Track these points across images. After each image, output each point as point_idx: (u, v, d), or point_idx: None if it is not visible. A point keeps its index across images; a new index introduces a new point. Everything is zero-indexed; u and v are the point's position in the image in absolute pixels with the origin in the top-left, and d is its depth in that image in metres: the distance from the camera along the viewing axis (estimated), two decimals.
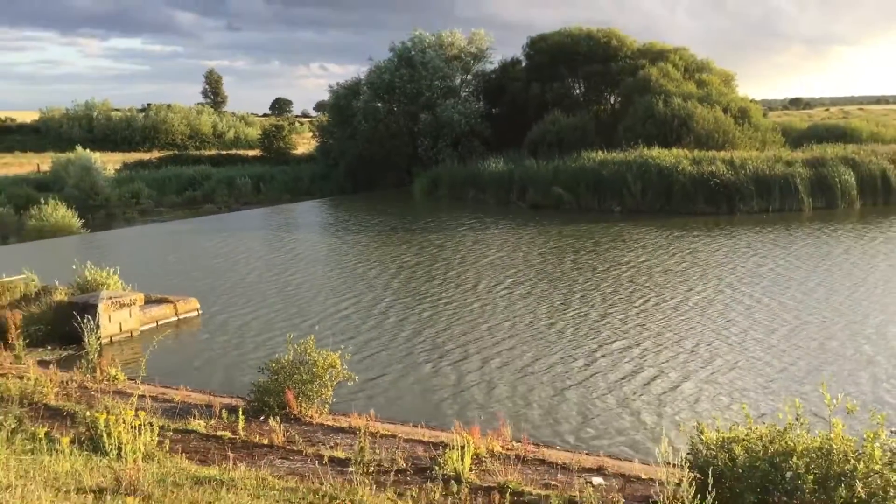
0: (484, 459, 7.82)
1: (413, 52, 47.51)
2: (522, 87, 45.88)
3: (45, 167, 45.30)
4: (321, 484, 6.70)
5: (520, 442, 8.46)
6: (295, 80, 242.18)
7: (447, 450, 7.60)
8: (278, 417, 8.95)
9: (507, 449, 8.22)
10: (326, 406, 9.68)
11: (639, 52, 45.51)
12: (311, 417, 9.36)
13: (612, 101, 46.08)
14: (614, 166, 32.66)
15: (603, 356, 12.78)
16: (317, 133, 56.50)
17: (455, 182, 38.70)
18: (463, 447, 7.50)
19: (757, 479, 6.07)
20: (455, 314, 15.73)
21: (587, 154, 35.21)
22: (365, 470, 7.29)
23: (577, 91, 46.93)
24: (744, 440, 6.41)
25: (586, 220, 28.86)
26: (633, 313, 15.48)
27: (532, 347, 13.35)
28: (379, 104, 46.87)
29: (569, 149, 37.53)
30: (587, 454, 8.50)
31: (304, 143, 65.37)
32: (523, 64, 48.82)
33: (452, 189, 38.55)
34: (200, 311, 16.01)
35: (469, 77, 49.52)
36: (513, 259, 21.61)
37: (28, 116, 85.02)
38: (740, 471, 6.16)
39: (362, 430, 8.19)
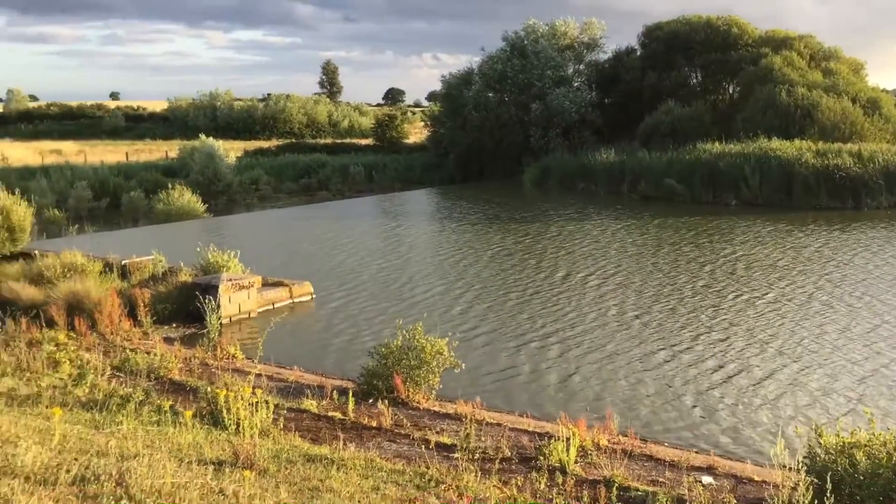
0: (589, 452, 7.77)
1: (526, 42, 47.25)
2: (637, 77, 44.96)
3: (173, 154, 47.56)
4: (427, 468, 6.82)
5: (626, 436, 8.36)
6: (408, 71, 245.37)
7: (552, 440, 7.60)
8: (386, 401, 9.15)
9: (614, 443, 8.14)
10: (433, 392, 9.83)
11: (761, 39, 43.76)
12: (419, 402, 9.53)
13: (731, 91, 44.55)
14: (731, 158, 31.60)
15: (711, 352, 12.43)
16: (428, 123, 57.08)
17: (565, 172, 38.36)
18: (568, 439, 7.48)
19: (879, 488, 5.80)
20: (560, 304, 15.63)
21: (703, 145, 34.21)
22: (470, 456, 7.37)
23: (694, 80, 45.61)
24: (866, 446, 6.12)
25: (699, 213, 28.11)
26: (743, 308, 14.99)
27: (636, 340, 13.12)
28: (490, 94, 46.88)
29: (683, 140, 36.56)
30: (696, 452, 8.32)
31: (416, 133, 66.17)
32: (638, 53, 47.81)
33: (562, 179, 38.22)
34: (314, 295, 16.49)
35: (581, 67, 48.92)
36: (621, 250, 21.28)
37: (158, 106, 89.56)
38: (861, 478, 5.90)
39: (468, 417, 8.28)
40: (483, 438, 8.07)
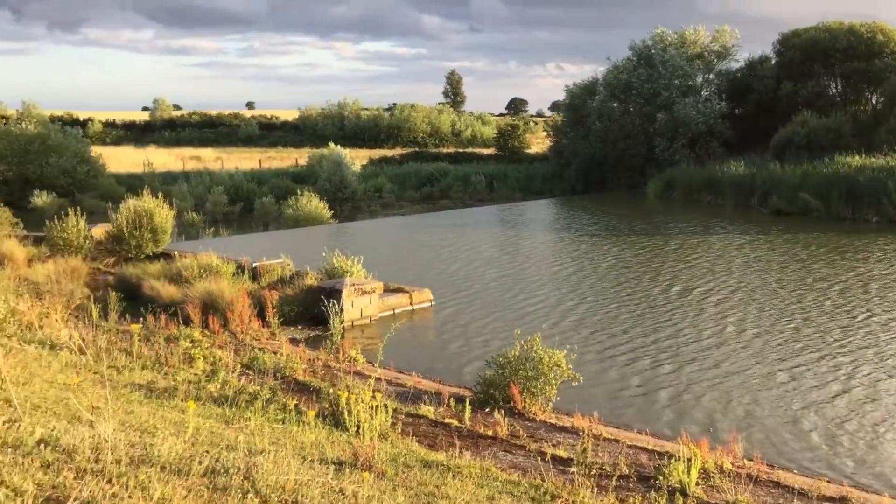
0: (712, 475, 7.52)
1: (653, 51, 46.33)
2: (771, 86, 43.26)
3: (303, 161, 49.33)
4: (543, 481, 6.78)
5: (752, 460, 8.03)
6: (531, 80, 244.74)
7: (672, 460, 7.39)
8: (503, 411, 9.15)
9: (738, 467, 7.84)
10: (550, 404, 9.76)
11: None
12: (535, 414, 9.49)
13: (874, 102, 42.16)
14: (873, 172, 29.85)
15: (836, 376, 11.75)
16: (550, 133, 56.83)
17: (690, 184, 37.31)
18: (690, 459, 7.26)
19: None
20: (679, 320, 15.19)
21: (841, 158, 32.51)
22: (587, 472, 7.28)
23: (833, 90, 43.51)
24: None
25: (834, 230, 26.69)
26: (874, 330, 14.10)
27: (756, 359, 12.58)
28: (615, 104, 46.23)
29: (820, 152, 34.87)
30: (828, 482, 7.89)
31: (538, 143, 66.00)
32: (772, 61, 45.96)
33: (687, 192, 37.20)
34: (433, 302, 16.70)
35: (711, 76, 47.49)
36: (745, 265, 20.47)
37: (289, 115, 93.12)
38: None
39: (585, 432, 8.17)
40: (600, 454, 7.95)
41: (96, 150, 44.38)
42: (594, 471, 7.39)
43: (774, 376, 11.88)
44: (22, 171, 38.20)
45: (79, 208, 21.20)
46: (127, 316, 13.02)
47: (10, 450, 4.66)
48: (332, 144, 44.63)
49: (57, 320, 10.62)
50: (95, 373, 8.54)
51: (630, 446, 8.43)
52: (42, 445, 4.84)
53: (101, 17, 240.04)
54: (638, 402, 10.94)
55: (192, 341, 11.55)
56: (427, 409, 9.26)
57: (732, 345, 13.54)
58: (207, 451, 5.40)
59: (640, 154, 43.92)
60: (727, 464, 7.81)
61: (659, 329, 14.65)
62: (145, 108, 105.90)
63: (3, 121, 67.74)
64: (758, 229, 27.51)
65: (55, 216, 20.27)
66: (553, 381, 9.72)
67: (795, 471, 8.36)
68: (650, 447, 8.45)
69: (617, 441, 8.58)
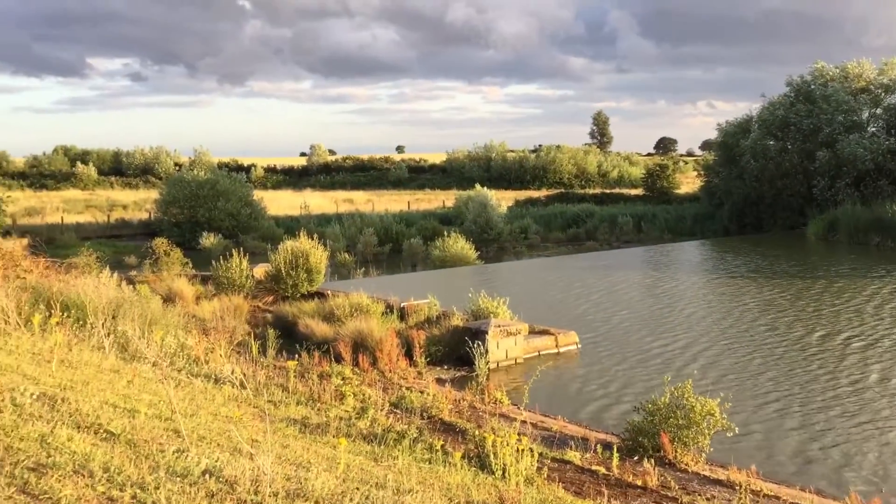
0: None
1: (813, 86, 44.28)
2: None
3: (449, 203, 50.33)
4: None
5: None
6: (680, 119, 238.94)
7: None
8: (652, 460, 8.85)
9: None
10: (703, 454, 9.35)
11: None
12: (686, 465, 9.11)
13: None
14: None
15: None
16: (701, 172, 55.24)
17: (856, 226, 35.10)
18: None
19: None
20: (848, 372, 14.19)
21: None
22: None
23: None
24: None
25: None
26: None
27: None
28: (770, 142, 44.36)
29: None
30: None
31: (688, 183, 64.30)
32: None
33: (852, 234, 35.00)
34: (579, 345, 16.47)
35: (879, 111, 44.70)
36: None
37: (437, 158, 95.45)
38: None
39: (742, 486, 7.76)
40: None
41: (258, 194, 47.19)
42: None
43: None
44: (192, 215, 41.10)
45: (241, 249, 22.54)
46: (283, 352, 13.63)
47: (178, 479, 4.97)
48: (478, 186, 45.29)
49: (221, 355, 11.26)
50: (255, 406, 8.97)
51: None
52: (207, 475, 5.12)
53: (266, 70, 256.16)
54: (797, 455, 10.28)
55: (343, 378, 11.92)
56: (573, 455, 9.09)
57: (880, 394, 12.52)
58: (358, 488, 5.53)
59: (799, 193, 41.82)
60: None
61: (816, 378, 13.76)
62: (303, 154, 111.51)
63: (178, 168, 73.32)
64: None
65: (220, 256, 21.60)
66: (706, 431, 9.32)
67: None
68: None
69: (778, 498, 8.10)
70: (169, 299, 17.78)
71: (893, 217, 33.46)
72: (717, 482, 8.60)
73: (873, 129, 43.41)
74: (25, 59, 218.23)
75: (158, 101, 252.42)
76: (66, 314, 11.01)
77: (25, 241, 32.48)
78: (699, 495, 8.08)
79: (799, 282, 24.49)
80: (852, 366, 14.53)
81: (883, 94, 44.57)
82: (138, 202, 55.61)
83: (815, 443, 10.75)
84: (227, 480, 5.06)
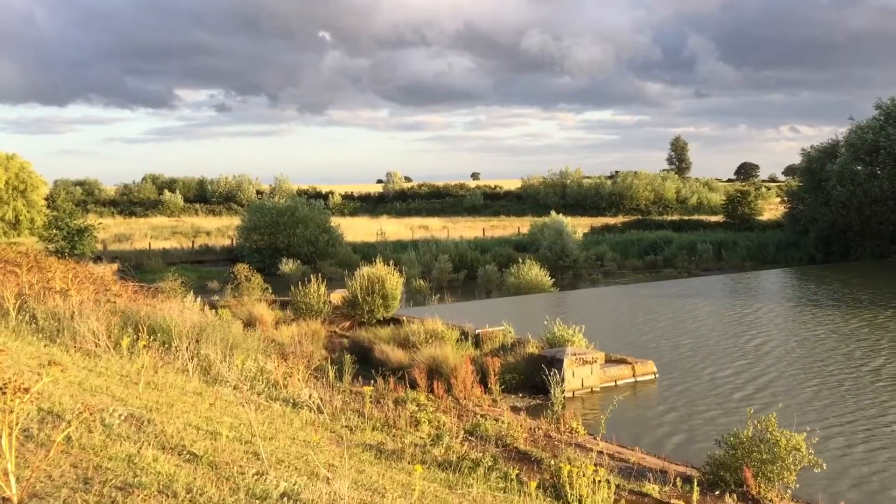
0: None
1: None
2: None
3: (524, 230, 50.24)
4: None
5: None
6: (762, 144, 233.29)
7: None
8: (734, 495, 8.58)
9: None
10: (788, 490, 9.02)
11: None
12: (771, 501, 8.80)
13: None
14: None
15: None
16: (785, 198, 53.73)
17: None
18: None
19: None
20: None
21: None
22: None
23: None
24: None
25: None
26: None
27: None
28: (859, 167, 42.88)
29: None
30: None
31: (771, 209, 62.62)
32: None
33: None
34: (657, 375, 16.13)
35: None
36: None
37: (512, 185, 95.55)
38: None
39: None
40: None
41: (335, 221, 48.05)
42: None
43: None
44: (272, 241, 42.09)
45: (319, 275, 22.94)
46: (359, 377, 13.76)
47: (257, 501, 5.07)
48: (553, 213, 45.06)
49: (299, 380, 11.45)
50: (332, 431, 9.08)
51: None
52: (285, 499, 5.21)
53: (344, 99, 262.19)
54: (886, 493, 9.80)
55: (418, 405, 11.95)
56: (651, 488, 8.89)
57: None
58: None
59: (889, 220, 40.25)
60: None
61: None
62: (379, 181, 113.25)
63: (259, 195, 75.34)
64: None
65: (299, 282, 22.04)
66: (791, 467, 8.99)
67: None
68: None
69: None
70: (249, 324, 18.20)
71: None
72: None
73: None
74: (117, 91, 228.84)
75: (241, 130, 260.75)
76: (152, 337, 11.39)
77: (115, 266, 33.87)
78: None
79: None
80: None
81: None
82: (221, 229, 57.32)
83: None
84: None
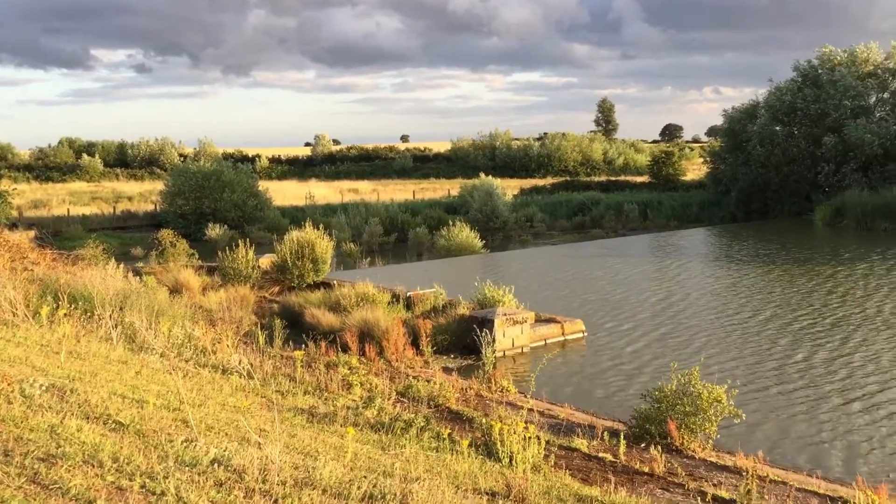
0: None
1: (820, 71, 44.06)
2: None
3: (455, 192, 50.27)
4: None
5: None
6: (686, 105, 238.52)
7: None
8: (659, 447, 8.85)
9: None
10: (710, 441, 9.36)
11: None
12: (693, 451, 9.12)
13: None
14: None
15: None
16: (707, 159, 55.04)
17: (864, 212, 34.99)
18: None
19: None
20: (855, 358, 14.17)
21: None
22: None
23: None
24: None
25: None
26: None
27: None
28: (777, 127, 44.16)
29: None
30: None
31: (694, 170, 64.08)
32: None
33: (860, 219, 34.91)
34: (585, 333, 16.47)
35: (886, 95, 44.45)
36: None
37: (442, 147, 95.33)
38: None
39: (749, 472, 7.77)
40: (766, 496, 7.53)
41: (263, 185, 47.19)
42: None
43: None
44: (198, 206, 41.13)
45: (247, 240, 22.54)
46: (290, 342, 13.66)
47: (187, 468, 5.00)
48: (483, 175, 45.19)
49: (228, 346, 11.29)
50: (262, 396, 9.00)
51: (799, 489, 7.94)
52: (215, 465, 5.15)
53: (270, 60, 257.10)
54: (807, 442, 10.30)
55: (350, 368, 11.94)
56: (580, 443, 9.11)
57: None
58: (365, 477, 5.56)
59: (806, 179, 41.68)
60: None
61: (828, 365, 13.76)
62: (307, 144, 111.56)
63: (182, 159, 73.39)
64: None
65: (226, 247, 21.63)
66: (713, 418, 9.33)
67: None
68: (821, 491, 7.93)
69: (785, 483, 8.11)
70: (175, 290, 17.81)
71: None
72: (724, 468, 8.61)
73: (881, 113, 43.17)
74: (31, 51, 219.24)
75: (163, 92, 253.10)
76: (73, 306, 11.05)
77: (32, 233, 32.63)
78: (706, 481, 8.09)
79: (827, 269, 24.41)
80: (857, 351, 14.52)
81: (890, 79, 44.29)
82: (144, 194, 55.71)
83: (823, 428, 10.75)
84: (235, 469, 5.08)
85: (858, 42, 45.47)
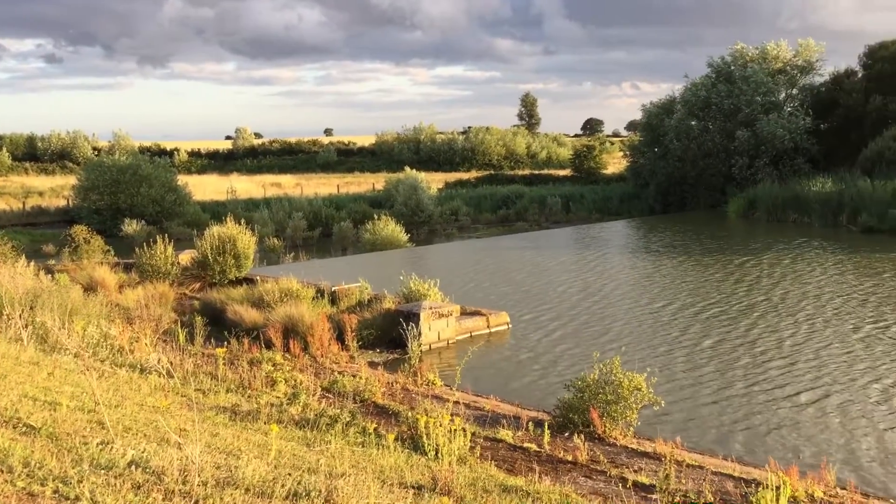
0: (801, 503, 7.24)
1: (733, 67, 45.42)
2: (859, 101, 41.81)
3: (379, 186, 50.02)
4: None
5: (845, 489, 7.71)
6: (606, 100, 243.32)
7: (760, 488, 7.15)
8: (582, 435, 9.03)
9: (830, 496, 7.53)
10: (631, 429, 9.59)
11: None
12: (615, 439, 9.33)
13: None
14: None
15: None
16: (627, 153, 56.22)
17: (774, 203, 36.31)
18: (779, 487, 7.00)
19: None
20: (762, 344, 14.73)
21: None
22: (670, 499, 7.11)
23: None
24: None
25: None
26: None
27: (850, 385, 12.07)
28: (693, 122, 45.40)
29: None
30: None
31: (615, 163, 65.36)
32: (859, 75, 44.47)
33: (771, 211, 36.21)
34: (510, 325, 16.64)
35: (794, 91, 46.20)
36: (838, 287, 19.74)
37: (366, 140, 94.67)
38: None
39: (668, 457, 7.98)
40: (684, 480, 7.75)
41: (182, 179, 45.99)
42: (678, 498, 7.22)
43: (869, 400, 11.39)
44: (113, 201, 39.85)
45: (166, 235, 21.97)
46: (212, 340, 13.39)
47: (103, 471, 4.84)
48: (408, 169, 45.14)
49: (146, 344, 11.00)
50: (183, 395, 8.79)
51: (715, 473, 8.20)
52: (133, 467, 5.00)
53: (187, 51, 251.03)
54: (721, 427, 10.64)
55: (273, 365, 11.79)
56: (506, 434, 9.20)
57: (834, 371, 13.05)
58: (290, 474, 5.49)
59: (721, 173, 42.98)
60: (818, 492, 7.51)
61: (739, 351, 14.24)
62: (228, 137, 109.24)
63: (96, 152, 70.99)
64: (848, 249, 26.57)
65: (144, 243, 21.04)
66: (633, 406, 9.55)
67: (893, 501, 7.98)
68: (736, 474, 8.20)
69: (701, 467, 8.36)
70: (90, 288, 17.24)
71: (809, 194, 34.71)
72: (645, 454, 8.83)
73: (790, 108, 44.82)
74: None
75: (75, 83, 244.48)
76: None
77: None
78: (627, 468, 8.29)
79: (742, 259, 25.22)
80: (766, 337, 15.08)
81: (798, 75, 46.04)
82: (55, 189, 53.63)
83: (735, 413, 11.13)
84: (154, 471, 4.95)
85: (769, 40, 47.07)
